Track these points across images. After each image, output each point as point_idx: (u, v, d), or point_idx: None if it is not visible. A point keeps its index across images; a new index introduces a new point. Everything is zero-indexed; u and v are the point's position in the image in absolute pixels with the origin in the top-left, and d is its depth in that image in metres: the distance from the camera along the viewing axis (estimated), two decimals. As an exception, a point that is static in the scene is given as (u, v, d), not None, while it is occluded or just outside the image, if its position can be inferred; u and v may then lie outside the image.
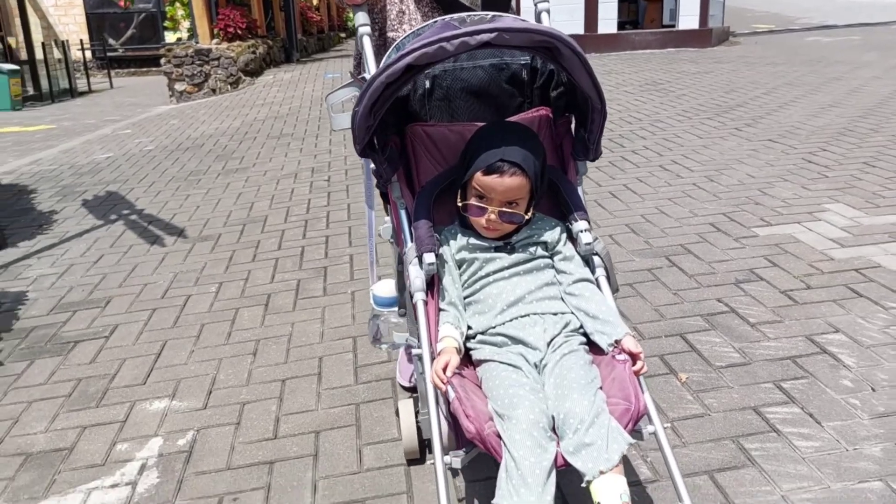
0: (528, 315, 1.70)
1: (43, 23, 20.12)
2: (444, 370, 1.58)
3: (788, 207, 4.21)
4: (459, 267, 1.80)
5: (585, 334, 1.69)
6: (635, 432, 1.54)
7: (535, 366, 1.63)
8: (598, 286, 1.76)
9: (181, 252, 4.40)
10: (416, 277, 1.74)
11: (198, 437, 2.49)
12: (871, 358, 2.59)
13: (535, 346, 1.64)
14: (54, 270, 4.25)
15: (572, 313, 1.71)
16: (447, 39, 1.47)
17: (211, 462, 2.35)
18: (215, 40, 12.19)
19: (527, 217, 1.75)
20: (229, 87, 11.57)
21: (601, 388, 1.54)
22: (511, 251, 1.77)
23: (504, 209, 1.71)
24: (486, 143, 1.72)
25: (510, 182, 1.68)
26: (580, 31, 14.13)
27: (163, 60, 11.67)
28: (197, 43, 12.28)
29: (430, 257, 1.75)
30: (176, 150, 7.55)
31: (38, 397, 2.85)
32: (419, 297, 1.73)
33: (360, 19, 2.00)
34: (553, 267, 1.79)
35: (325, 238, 4.41)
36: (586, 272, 1.77)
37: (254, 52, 12.48)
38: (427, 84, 1.97)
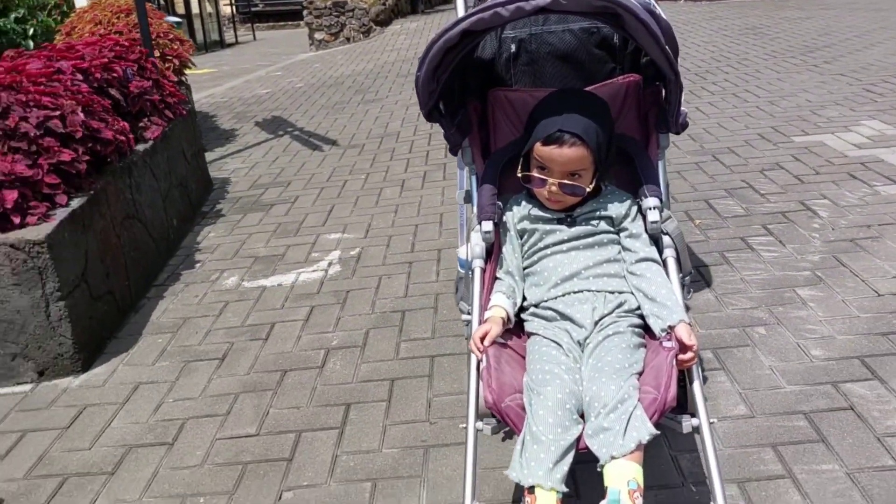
0: (582, 291, 1.67)
1: (196, -19, 22.32)
2: (483, 339, 1.59)
3: (829, 123, 5.01)
4: (521, 237, 1.78)
5: (643, 316, 1.63)
6: (677, 423, 1.51)
7: (580, 344, 1.61)
8: (666, 267, 1.69)
9: (336, 155, 5.74)
10: (476, 244, 1.77)
11: (362, 251, 3.79)
12: (841, 213, 3.52)
13: (582, 324, 1.62)
14: (244, 166, 5.70)
15: (632, 293, 1.66)
16: (503, 4, 1.45)
17: (372, 262, 3.64)
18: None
19: (589, 189, 1.68)
20: (362, 35, 12.96)
21: (640, 374, 1.51)
22: (572, 224, 1.72)
23: (565, 181, 1.66)
24: (547, 112, 1.68)
25: (569, 153, 1.63)
26: (692, -21, 14.45)
27: (305, 12, 13.19)
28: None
29: (487, 225, 1.77)
30: (321, 86, 8.97)
31: (254, 232, 4.24)
32: (476, 263, 1.76)
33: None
34: (619, 243, 1.73)
35: (445, 145, 5.64)
36: (652, 251, 1.69)
37: (384, 4, 13.79)
38: (513, 48, 1.94)
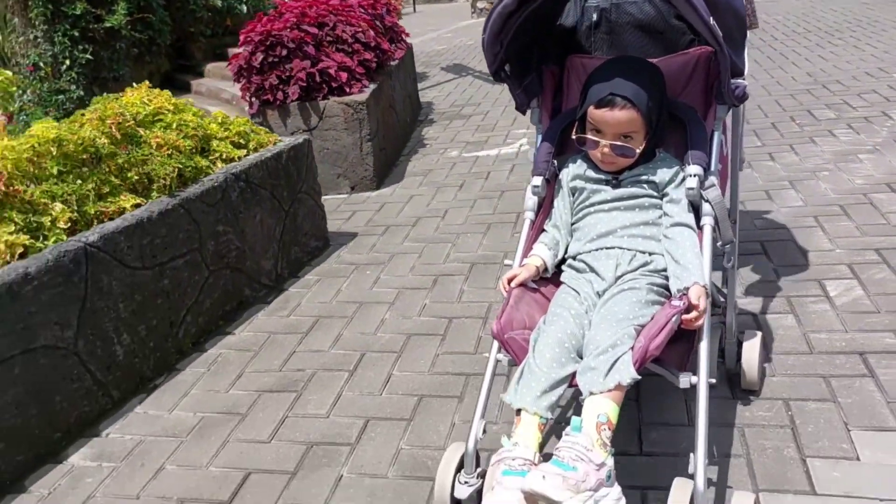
0: (613, 248, 1.78)
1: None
2: (511, 281, 1.79)
3: (930, 64, 6.01)
4: (573, 194, 1.90)
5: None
6: (675, 378, 1.62)
7: (599, 294, 1.74)
8: (702, 234, 1.74)
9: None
10: (528, 198, 1.92)
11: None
12: None
13: (604, 277, 1.75)
14: (440, 94, 7.37)
15: (662, 255, 1.75)
16: None
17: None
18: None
19: (639, 150, 1.75)
20: (518, 5, 14.45)
21: (642, 325, 1.61)
22: (617, 186, 1.83)
23: (616, 142, 1.74)
24: (600, 78, 1.76)
25: (620, 115, 1.71)
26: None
27: (468, -16, 14.80)
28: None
29: (537, 180, 1.91)
30: (489, 43, 10.57)
31: (460, 129, 5.86)
32: (527, 215, 1.91)
33: None
34: (661, 207, 1.80)
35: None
36: (688, 217, 1.75)
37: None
38: (594, 17, 2.02)
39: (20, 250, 2.22)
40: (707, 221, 1.76)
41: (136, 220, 2.54)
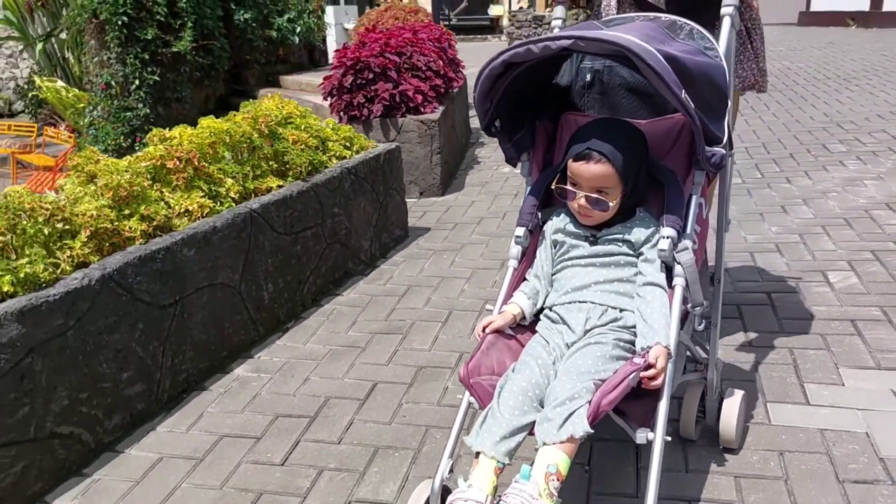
0: (585, 302, 1.84)
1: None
2: (487, 328, 1.87)
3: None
4: (554, 246, 1.96)
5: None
6: (633, 432, 1.67)
7: (567, 346, 1.80)
8: (672, 294, 1.78)
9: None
10: (512, 246, 2.00)
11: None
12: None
13: (574, 329, 1.81)
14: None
15: (633, 312, 1.80)
16: (534, 42, 1.62)
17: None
18: (548, 9, 16.00)
19: (612, 205, 1.80)
20: (554, 45, 15.35)
21: (603, 380, 1.65)
22: (594, 242, 1.88)
23: (591, 195, 1.79)
24: (583, 134, 1.84)
25: (595, 169, 1.77)
26: (865, 7, 15.55)
27: (506, 22, 15.75)
28: (534, 11, 16.22)
29: (519, 230, 1.98)
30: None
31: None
32: (510, 263, 1.99)
33: (557, 12, 2.23)
34: (636, 265, 1.85)
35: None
36: (659, 277, 1.80)
37: (576, 19, 16.10)
38: (588, 77, 2.10)
39: (207, 210, 2.94)
40: (678, 282, 1.80)
41: (282, 197, 3.26)
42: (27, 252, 2.29)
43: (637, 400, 1.68)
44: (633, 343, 1.76)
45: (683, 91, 1.58)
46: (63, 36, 10.45)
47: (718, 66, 1.82)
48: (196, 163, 2.99)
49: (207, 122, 3.28)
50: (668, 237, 1.79)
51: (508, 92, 1.84)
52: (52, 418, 2.24)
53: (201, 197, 2.94)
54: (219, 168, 3.13)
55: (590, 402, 1.61)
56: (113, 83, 8.45)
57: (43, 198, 2.43)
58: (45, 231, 2.36)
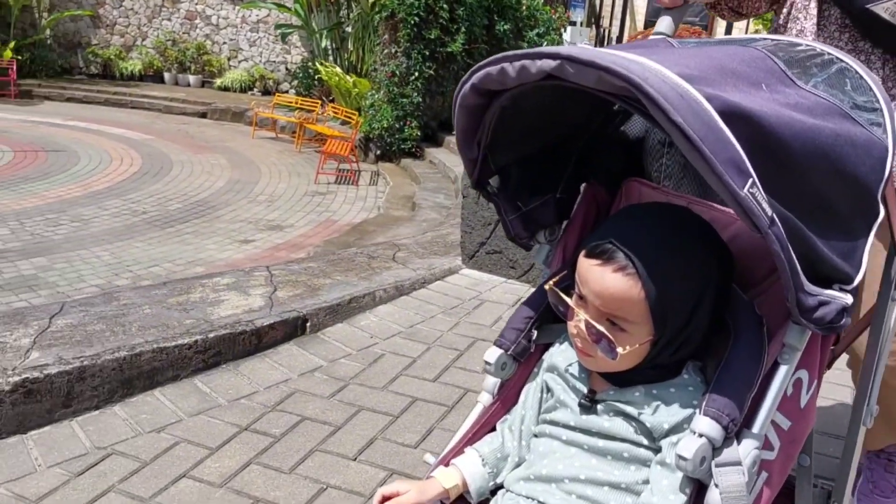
0: None
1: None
2: (386, 500, 1.12)
3: None
4: (547, 391, 1.18)
5: None
6: None
7: None
8: None
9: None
10: (487, 373, 1.21)
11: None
12: None
13: None
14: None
15: None
16: (510, 60, 0.93)
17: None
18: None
19: (621, 352, 1.00)
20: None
21: None
22: (588, 409, 1.08)
23: (595, 324, 1.01)
24: (615, 220, 1.11)
25: (609, 280, 0.99)
26: None
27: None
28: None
29: (491, 354, 1.19)
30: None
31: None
32: (481, 397, 1.25)
33: (660, 26, 1.42)
34: (648, 466, 1.04)
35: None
36: (669, 503, 0.98)
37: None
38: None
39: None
40: None
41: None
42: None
43: None
44: None
45: (751, 181, 0.82)
46: (349, 29, 12.21)
47: (871, 142, 0.97)
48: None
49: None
50: (700, 435, 0.94)
51: (513, 132, 1.14)
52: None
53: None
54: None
55: None
56: (397, 73, 9.93)
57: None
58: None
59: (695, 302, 1.01)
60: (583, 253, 1.04)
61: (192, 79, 14.62)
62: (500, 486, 1.16)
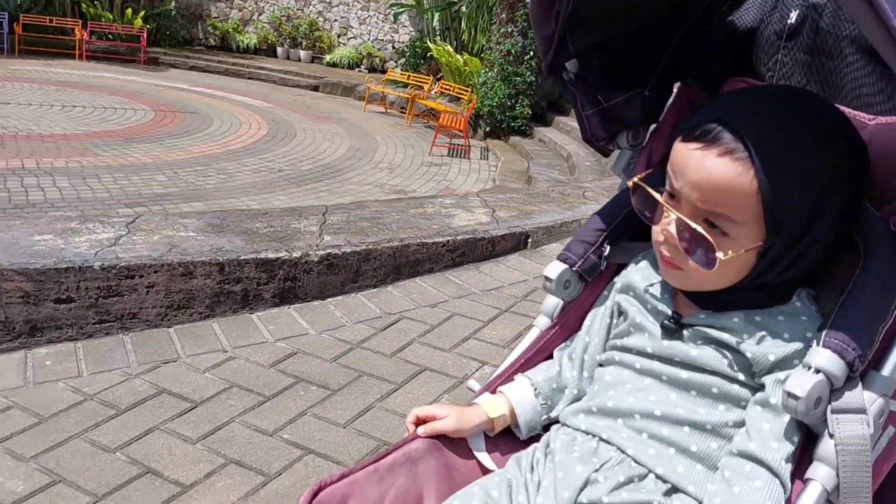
0: (610, 444, 0.91)
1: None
2: (421, 423, 0.98)
3: None
4: (619, 315, 1.01)
5: None
6: None
7: None
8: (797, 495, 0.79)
9: None
10: (548, 294, 1.07)
11: None
12: None
13: (558, 493, 0.89)
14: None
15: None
16: None
17: None
18: None
19: (721, 258, 0.81)
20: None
21: None
22: (673, 333, 0.91)
23: (690, 222, 0.83)
24: (723, 101, 0.90)
25: (713, 165, 0.80)
26: None
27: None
28: None
29: (553, 269, 1.03)
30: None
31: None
32: (538, 321, 1.11)
33: None
34: (743, 406, 0.86)
35: None
36: (778, 450, 0.80)
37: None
38: (793, 18, 1.05)
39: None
40: (815, 474, 0.78)
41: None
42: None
43: None
44: None
45: None
46: (464, 9, 12.60)
47: None
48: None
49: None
50: (818, 371, 0.77)
51: (599, 6, 0.98)
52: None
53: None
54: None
55: None
56: (512, 52, 10.24)
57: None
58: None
59: (817, 205, 0.80)
60: (679, 138, 0.85)
61: (302, 54, 15.28)
62: (555, 422, 0.99)
